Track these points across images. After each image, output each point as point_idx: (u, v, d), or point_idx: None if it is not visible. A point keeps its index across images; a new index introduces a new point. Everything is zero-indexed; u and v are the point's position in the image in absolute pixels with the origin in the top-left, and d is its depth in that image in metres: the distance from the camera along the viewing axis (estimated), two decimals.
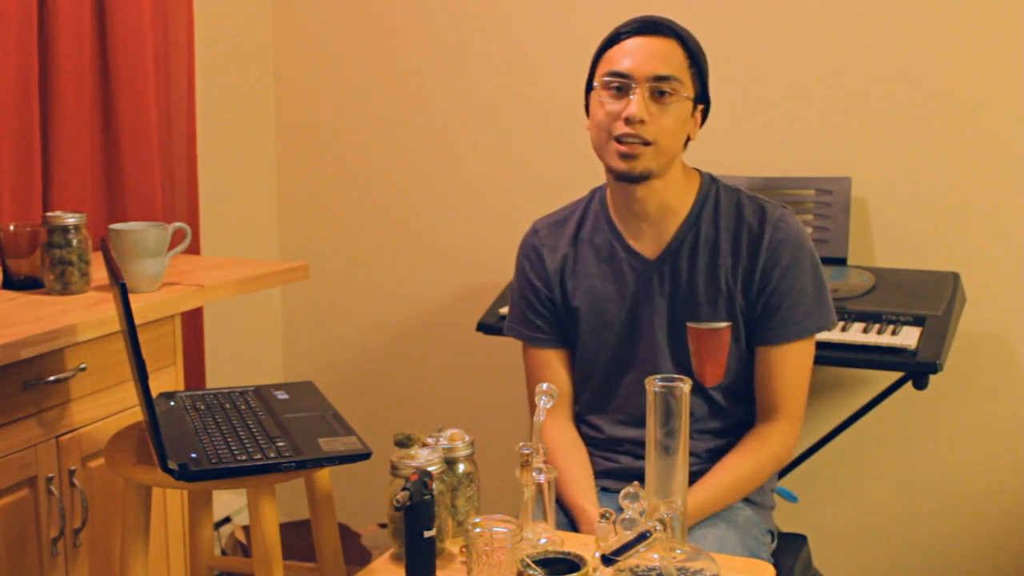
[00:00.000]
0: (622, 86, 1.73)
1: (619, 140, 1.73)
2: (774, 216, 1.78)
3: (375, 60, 3.08)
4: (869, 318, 2.26)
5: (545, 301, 1.90)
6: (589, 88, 1.81)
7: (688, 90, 1.74)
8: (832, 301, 1.83)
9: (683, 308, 1.81)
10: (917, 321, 2.24)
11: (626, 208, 1.83)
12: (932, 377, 2.18)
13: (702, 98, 1.79)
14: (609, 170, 1.80)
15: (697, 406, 1.82)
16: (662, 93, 1.72)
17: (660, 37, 1.74)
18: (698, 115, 1.80)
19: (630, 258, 1.84)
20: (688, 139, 1.80)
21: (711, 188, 1.83)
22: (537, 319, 1.91)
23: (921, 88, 2.53)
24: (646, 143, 1.72)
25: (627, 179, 1.76)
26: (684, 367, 1.81)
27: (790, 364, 1.79)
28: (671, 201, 1.81)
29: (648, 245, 1.83)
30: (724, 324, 1.79)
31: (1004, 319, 2.52)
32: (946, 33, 2.49)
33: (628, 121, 1.71)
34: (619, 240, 1.85)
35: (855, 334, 2.19)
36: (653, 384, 1.35)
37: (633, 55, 1.73)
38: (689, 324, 1.80)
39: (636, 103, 1.71)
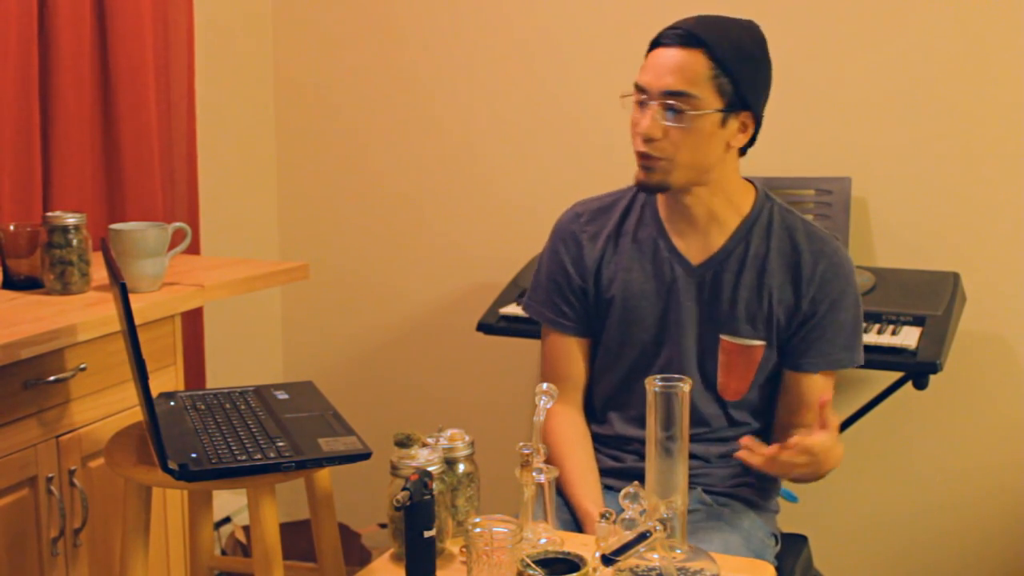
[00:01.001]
0: (643, 100, 1.71)
1: (637, 154, 1.73)
2: (829, 248, 1.77)
3: (375, 60, 3.08)
4: (869, 318, 2.26)
5: (577, 290, 1.87)
6: None
7: (709, 103, 1.67)
8: (863, 338, 1.82)
9: (720, 320, 1.79)
10: (917, 321, 2.24)
11: (675, 211, 1.81)
12: (932, 377, 2.18)
13: (740, 104, 1.70)
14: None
15: (715, 416, 1.82)
16: (676, 111, 1.67)
17: (682, 48, 1.67)
18: (739, 122, 1.72)
19: (673, 259, 1.81)
20: (730, 147, 1.73)
21: (765, 205, 1.80)
22: (565, 305, 1.88)
23: (921, 88, 2.53)
24: (660, 159, 1.70)
25: (644, 190, 1.77)
26: (710, 377, 1.80)
27: (817, 391, 1.78)
28: (720, 211, 1.78)
29: (694, 250, 1.81)
30: (759, 343, 1.78)
31: (1004, 319, 2.52)
32: (946, 33, 2.49)
33: (643, 138, 1.70)
34: (665, 239, 1.82)
35: None
36: (653, 384, 1.34)
37: (652, 68, 1.70)
38: (723, 337, 1.79)
39: (647, 120, 1.68)
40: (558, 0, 2.85)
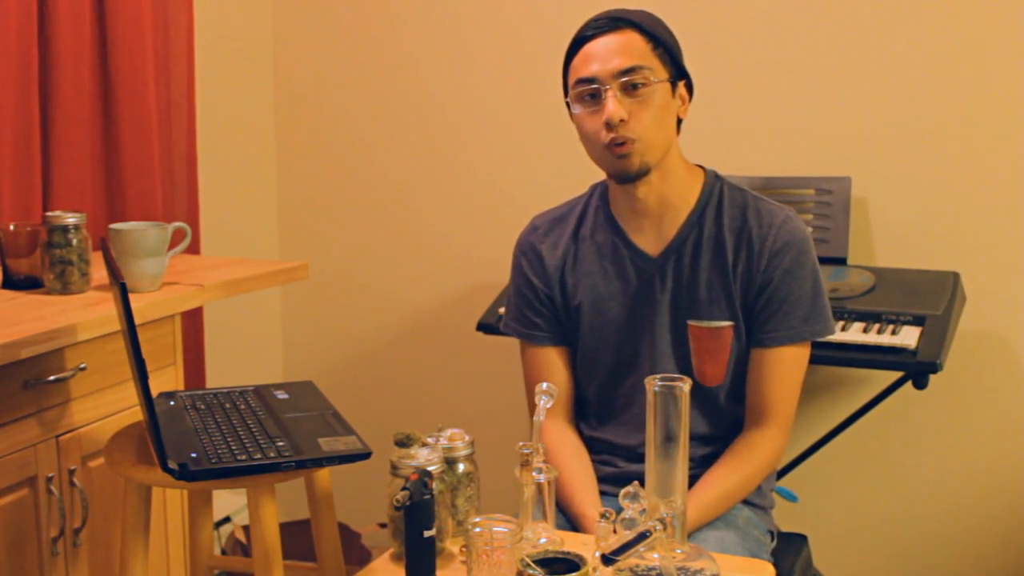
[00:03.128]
0: (594, 92, 1.71)
1: (608, 147, 1.72)
2: (779, 218, 1.77)
3: (375, 60, 3.08)
4: (869, 318, 2.26)
5: (544, 299, 1.88)
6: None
7: (660, 74, 1.71)
8: (830, 307, 1.80)
9: (685, 306, 1.79)
10: (917, 321, 2.24)
11: (628, 206, 1.82)
12: (932, 377, 2.18)
13: (679, 75, 1.76)
14: (610, 176, 1.79)
15: (696, 419, 1.81)
16: (635, 86, 1.69)
17: (615, 32, 1.71)
18: (682, 92, 1.77)
19: (632, 255, 1.82)
20: (680, 121, 1.78)
21: (715, 186, 1.81)
22: (536, 317, 1.89)
23: (921, 88, 2.53)
24: (634, 140, 1.70)
25: (628, 180, 1.75)
26: (686, 367, 1.80)
27: (783, 368, 1.77)
28: (671, 196, 1.79)
29: (650, 242, 1.81)
30: (726, 323, 1.78)
31: (1004, 319, 2.52)
32: (946, 32, 2.49)
33: (609, 125, 1.69)
34: (621, 237, 1.83)
35: (855, 334, 2.19)
36: (653, 384, 1.34)
37: (595, 57, 1.71)
38: (690, 322, 1.79)
39: (611, 104, 1.68)
40: (558, 2, 2.85)
